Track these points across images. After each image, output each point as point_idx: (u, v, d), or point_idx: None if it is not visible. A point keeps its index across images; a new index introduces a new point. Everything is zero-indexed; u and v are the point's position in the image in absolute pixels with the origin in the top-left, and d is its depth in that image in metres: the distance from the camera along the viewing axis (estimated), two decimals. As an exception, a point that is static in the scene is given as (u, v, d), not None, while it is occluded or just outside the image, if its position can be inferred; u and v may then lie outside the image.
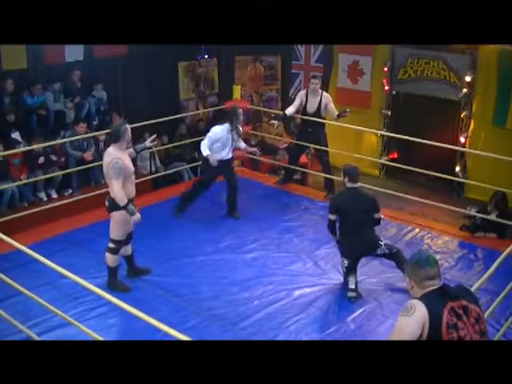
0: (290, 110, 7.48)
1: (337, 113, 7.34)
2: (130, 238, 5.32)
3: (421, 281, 2.73)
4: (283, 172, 8.39)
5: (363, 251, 5.43)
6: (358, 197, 5.39)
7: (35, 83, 7.87)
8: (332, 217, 5.41)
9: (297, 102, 7.49)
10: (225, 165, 6.77)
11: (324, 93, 7.53)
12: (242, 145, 7.08)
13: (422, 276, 2.72)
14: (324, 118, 7.53)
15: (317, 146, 7.61)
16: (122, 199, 4.90)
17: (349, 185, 5.40)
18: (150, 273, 5.56)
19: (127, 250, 5.38)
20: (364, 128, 8.64)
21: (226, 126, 6.65)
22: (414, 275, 2.76)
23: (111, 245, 5.19)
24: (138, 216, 5.00)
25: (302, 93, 7.58)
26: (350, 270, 5.34)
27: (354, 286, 5.26)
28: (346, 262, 5.34)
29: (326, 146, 7.64)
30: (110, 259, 5.21)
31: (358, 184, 5.51)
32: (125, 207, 4.92)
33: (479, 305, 2.78)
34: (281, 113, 7.91)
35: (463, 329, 2.62)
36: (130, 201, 5.02)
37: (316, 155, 7.77)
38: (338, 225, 5.46)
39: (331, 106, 7.41)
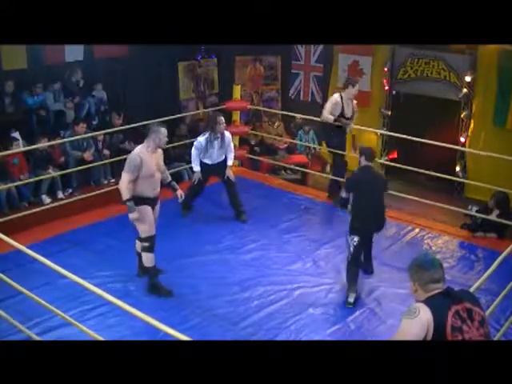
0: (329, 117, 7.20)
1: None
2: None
3: (425, 284, 2.70)
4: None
5: (374, 230, 5.51)
6: (373, 175, 5.51)
7: (35, 83, 7.87)
8: (346, 195, 5.45)
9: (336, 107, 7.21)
10: (216, 168, 6.77)
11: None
12: (230, 159, 6.85)
13: (427, 279, 2.70)
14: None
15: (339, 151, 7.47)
16: (124, 193, 4.98)
17: (364, 163, 5.45)
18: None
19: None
20: (364, 128, 8.64)
21: (208, 134, 6.66)
22: (418, 278, 2.73)
23: (145, 243, 5.20)
24: (133, 215, 5.05)
25: (337, 96, 7.30)
26: (355, 266, 5.34)
27: (352, 300, 5.23)
28: (355, 240, 5.30)
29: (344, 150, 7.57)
30: (148, 259, 5.22)
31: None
32: (125, 202, 4.99)
33: (482, 308, 2.77)
34: (284, 113, 7.85)
35: (468, 332, 2.60)
36: (147, 199, 5.13)
37: (337, 159, 7.57)
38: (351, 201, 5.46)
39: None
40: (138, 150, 5.10)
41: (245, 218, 6.85)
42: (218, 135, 6.66)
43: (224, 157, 6.81)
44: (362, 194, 5.31)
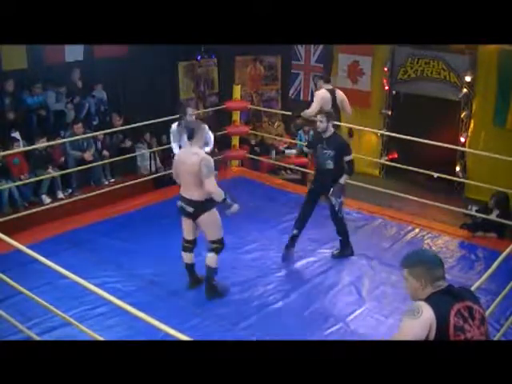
0: None
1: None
2: (195, 243, 5.30)
3: (433, 281, 2.63)
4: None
5: (319, 190, 6.08)
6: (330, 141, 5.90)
7: (35, 83, 7.87)
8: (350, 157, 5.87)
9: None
10: None
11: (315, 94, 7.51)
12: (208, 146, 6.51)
13: (436, 276, 2.64)
14: None
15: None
16: (220, 193, 4.90)
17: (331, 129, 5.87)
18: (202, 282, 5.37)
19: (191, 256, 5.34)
20: (364, 128, 8.64)
21: (179, 123, 6.55)
22: (426, 275, 2.64)
23: (218, 245, 5.14)
24: (235, 207, 5.04)
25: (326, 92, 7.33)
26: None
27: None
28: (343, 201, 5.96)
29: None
30: (216, 260, 5.18)
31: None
32: (224, 200, 4.92)
33: (481, 306, 2.75)
34: (284, 113, 7.86)
35: (470, 331, 2.58)
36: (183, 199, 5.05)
37: None
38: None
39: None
40: (198, 150, 4.96)
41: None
42: (188, 126, 6.49)
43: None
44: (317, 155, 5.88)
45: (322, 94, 7.23)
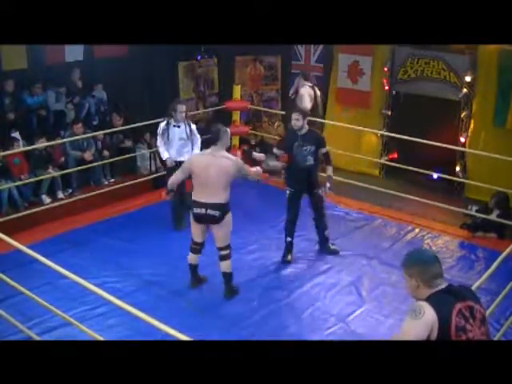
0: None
1: None
2: (204, 245, 5.36)
3: (430, 280, 2.63)
4: None
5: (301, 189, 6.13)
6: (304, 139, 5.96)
7: (35, 83, 7.87)
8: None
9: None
10: (177, 166, 6.11)
11: (300, 90, 7.67)
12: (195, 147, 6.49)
13: (430, 275, 2.64)
14: None
15: None
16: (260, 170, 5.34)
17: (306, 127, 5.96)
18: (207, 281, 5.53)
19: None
20: (364, 128, 8.64)
21: (168, 120, 6.46)
22: (419, 275, 2.65)
23: (228, 251, 5.20)
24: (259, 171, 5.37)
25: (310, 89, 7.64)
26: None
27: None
28: (287, 192, 6.00)
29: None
30: (229, 265, 5.25)
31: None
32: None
33: (482, 305, 2.75)
34: (282, 112, 7.91)
35: (471, 331, 2.58)
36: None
37: None
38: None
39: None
40: (226, 153, 5.06)
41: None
42: (180, 124, 6.41)
43: (184, 157, 6.31)
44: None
45: (308, 91, 7.38)
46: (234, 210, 7.00)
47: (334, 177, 8.00)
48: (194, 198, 5.03)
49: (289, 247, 6.05)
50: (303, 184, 5.94)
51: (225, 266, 5.22)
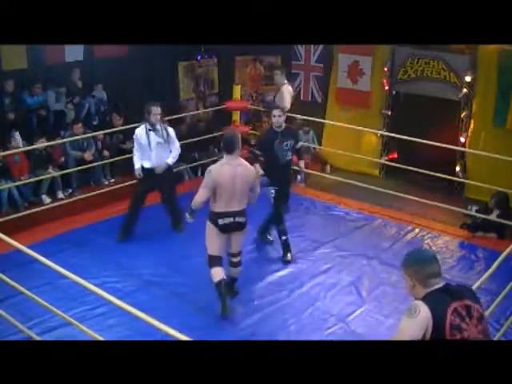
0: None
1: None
2: None
3: (424, 279, 2.67)
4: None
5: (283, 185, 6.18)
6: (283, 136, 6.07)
7: (35, 83, 7.87)
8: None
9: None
10: (157, 175, 6.20)
11: (282, 88, 7.65)
12: (170, 157, 6.27)
13: (426, 274, 2.67)
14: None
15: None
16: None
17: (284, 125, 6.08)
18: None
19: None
20: (364, 128, 8.64)
21: (144, 125, 6.16)
22: (416, 274, 2.69)
23: (240, 257, 5.20)
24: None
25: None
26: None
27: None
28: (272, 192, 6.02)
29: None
30: (239, 271, 5.26)
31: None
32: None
33: (481, 304, 2.76)
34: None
35: (466, 330, 2.59)
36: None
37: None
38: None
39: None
40: (246, 162, 4.98)
41: (182, 227, 6.42)
42: (158, 128, 6.13)
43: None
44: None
45: (289, 88, 7.55)
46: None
47: (333, 177, 8.07)
48: (218, 209, 4.84)
49: (286, 246, 6.04)
50: (285, 180, 6.09)
51: (237, 272, 5.23)
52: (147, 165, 6.15)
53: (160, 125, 6.19)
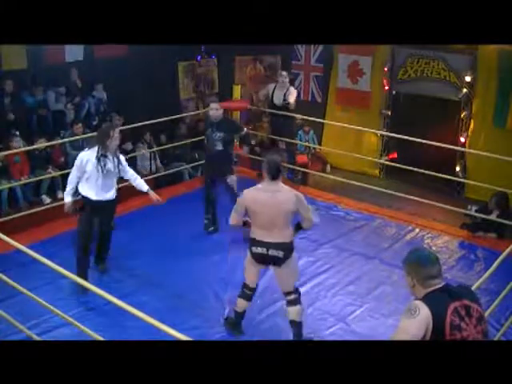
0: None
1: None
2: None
3: (423, 280, 2.69)
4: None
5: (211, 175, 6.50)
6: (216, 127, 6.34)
7: (35, 83, 7.87)
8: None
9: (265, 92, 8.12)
10: (103, 207, 5.24)
11: (291, 88, 7.94)
12: (139, 182, 5.50)
13: (425, 275, 2.68)
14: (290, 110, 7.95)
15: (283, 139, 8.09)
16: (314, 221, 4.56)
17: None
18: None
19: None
20: (364, 128, 8.64)
21: (92, 149, 5.16)
22: (415, 274, 2.71)
23: (296, 295, 4.53)
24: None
25: (271, 85, 8.07)
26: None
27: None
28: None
29: (291, 138, 8.28)
30: (299, 312, 4.53)
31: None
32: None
33: (480, 304, 2.76)
34: (283, 113, 7.96)
35: (466, 330, 2.60)
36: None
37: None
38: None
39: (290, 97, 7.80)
40: (287, 187, 4.48)
41: (104, 266, 5.63)
42: (108, 154, 5.14)
43: (113, 192, 5.29)
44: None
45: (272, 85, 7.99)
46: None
47: (333, 177, 8.06)
48: (254, 236, 4.46)
49: (208, 222, 6.48)
50: (214, 169, 6.34)
51: (292, 312, 4.49)
52: (93, 196, 5.16)
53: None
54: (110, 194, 5.26)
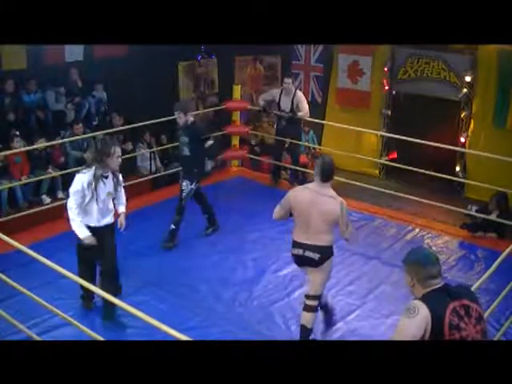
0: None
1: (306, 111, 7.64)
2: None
3: (423, 280, 2.69)
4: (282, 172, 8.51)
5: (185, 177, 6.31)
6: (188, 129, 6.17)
7: (28, 80, 7.86)
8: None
9: (268, 97, 7.99)
10: (101, 234, 4.74)
11: (298, 92, 7.78)
12: (121, 207, 5.02)
13: (425, 275, 2.69)
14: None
15: (293, 141, 7.93)
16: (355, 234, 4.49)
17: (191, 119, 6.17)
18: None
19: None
20: (364, 128, 8.64)
21: (91, 172, 4.69)
22: (415, 274, 2.71)
23: (315, 302, 4.45)
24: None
25: (276, 91, 7.93)
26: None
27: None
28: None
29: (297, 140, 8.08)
30: (312, 320, 4.46)
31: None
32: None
33: (479, 304, 2.77)
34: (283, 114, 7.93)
35: (465, 329, 2.60)
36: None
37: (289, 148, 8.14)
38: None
39: (302, 105, 7.65)
40: (334, 194, 4.34)
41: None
42: (108, 173, 4.71)
43: (111, 217, 4.84)
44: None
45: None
46: (234, 210, 7.04)
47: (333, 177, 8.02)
48: (293, 237, 4.42)
49: (171, 233, 6.20)
50: (184, 172, 6.30)
51: (306, 318, 4.44)
52: (92, 223, 4.75)
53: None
54: (108, 219, 4.83)
